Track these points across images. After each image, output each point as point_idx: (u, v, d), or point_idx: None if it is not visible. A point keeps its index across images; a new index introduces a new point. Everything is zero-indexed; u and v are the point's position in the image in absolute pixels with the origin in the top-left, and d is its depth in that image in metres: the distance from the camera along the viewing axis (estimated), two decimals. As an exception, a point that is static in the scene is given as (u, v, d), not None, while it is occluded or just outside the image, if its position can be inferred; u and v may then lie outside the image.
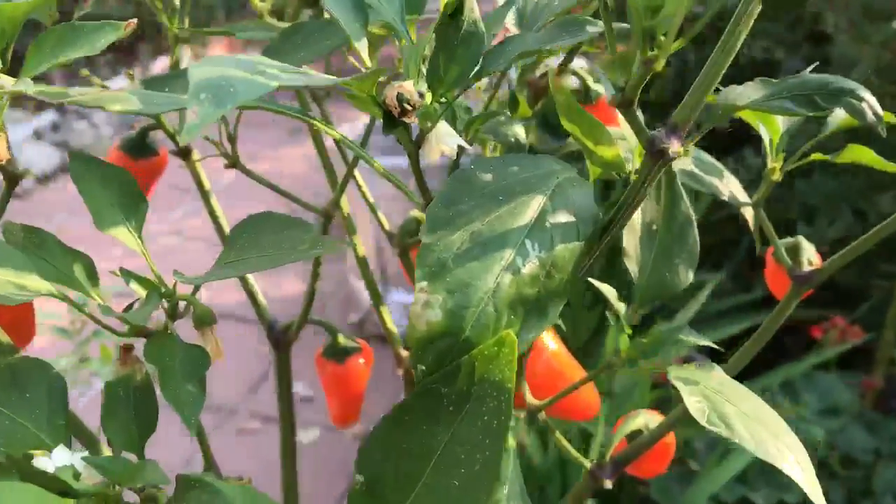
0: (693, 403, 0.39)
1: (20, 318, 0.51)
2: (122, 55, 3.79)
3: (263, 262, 0.36)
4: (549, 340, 0.64)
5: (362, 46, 0.39)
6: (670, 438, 0.61)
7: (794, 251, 0.52)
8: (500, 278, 0.34)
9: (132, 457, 0.38)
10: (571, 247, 0.36)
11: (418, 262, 0.35)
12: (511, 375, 0.33)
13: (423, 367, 0.34)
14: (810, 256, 0.53)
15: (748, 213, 0.52)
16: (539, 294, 0.35)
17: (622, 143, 0.52)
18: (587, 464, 0.57)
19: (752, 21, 0.36)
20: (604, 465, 0.57)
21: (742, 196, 0.52)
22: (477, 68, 0.39)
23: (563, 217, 0.36)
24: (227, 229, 0.62)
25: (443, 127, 0.41)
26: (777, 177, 0.51)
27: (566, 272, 0.36)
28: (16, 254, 0.37)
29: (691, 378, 0.42)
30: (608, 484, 0.57)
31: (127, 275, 0.40)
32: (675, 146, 0.34)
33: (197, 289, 0.41)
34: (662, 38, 0.29)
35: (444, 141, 0.40)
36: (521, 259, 0.35)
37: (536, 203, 0.36)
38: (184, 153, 0.60)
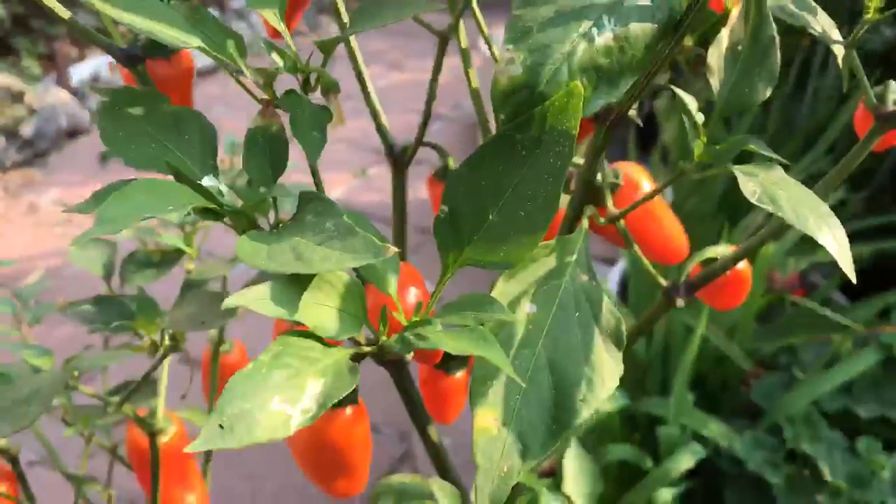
0: (749, 186, 0.44)
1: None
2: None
3: (385, 17, 0.43)
4: (645, 182, 0.68)
5: None
6: (746, 272, 0.65)
7: (883, 93, 0.55)
8: (576, 44, 0.39)
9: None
10: (645, 27, 0.41)
11: (507, 29, 0.40)
12: (576, 125, 0.39)
13: (503, 116, 0.40)
14: (898, 98, 0.55)
15: (839, 52, 0.54)
16: (611, 65, 0.40)
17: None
18: (663, 282, 0.62)
19: None
20: (678, 286, 0.62)
21: (834, 35, 0.54)
22: None
23: (641, 1, 0.41)
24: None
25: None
26: (871, 16, 0.53)
27: (639, 50, 0.41)
28: (182, 20, 0.46)
29: (754, 172, 0.46)
30: (680, 303, 0.62)
31: (269, 45, 0.47)
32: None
33: (325, 62, 0.48)
34: None
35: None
36: (596, 30, 0.40)
37: (618, -12, 0.41)
38: None
